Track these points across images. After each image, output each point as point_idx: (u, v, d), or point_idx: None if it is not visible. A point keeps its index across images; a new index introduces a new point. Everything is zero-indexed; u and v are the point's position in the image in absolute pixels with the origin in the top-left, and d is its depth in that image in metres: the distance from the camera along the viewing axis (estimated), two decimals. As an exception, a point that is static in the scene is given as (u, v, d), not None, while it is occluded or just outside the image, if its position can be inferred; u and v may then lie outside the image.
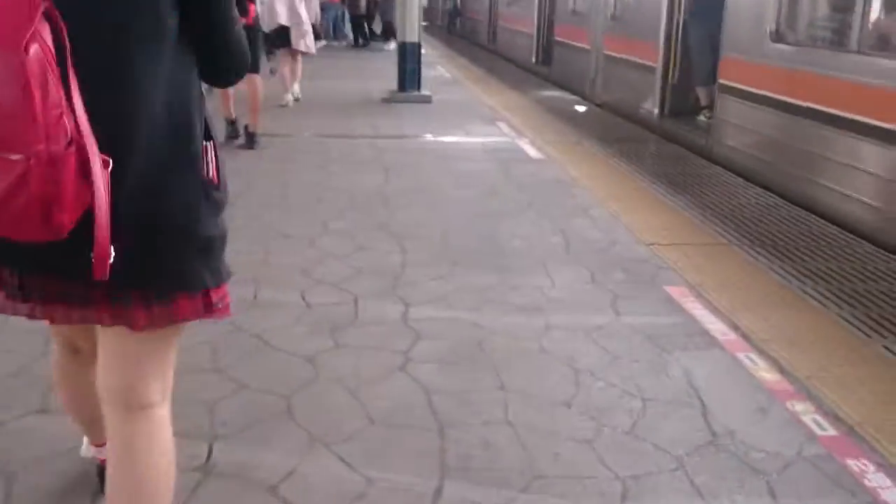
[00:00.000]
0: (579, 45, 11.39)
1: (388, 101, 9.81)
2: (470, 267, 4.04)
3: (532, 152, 7.09)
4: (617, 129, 8.51)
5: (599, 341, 3.20)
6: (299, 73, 10.55)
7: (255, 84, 6.85)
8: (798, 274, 4.06)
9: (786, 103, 6.02)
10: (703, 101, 8.41)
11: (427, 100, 9.80)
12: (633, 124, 8.88)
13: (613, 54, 9.90)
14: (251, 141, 6.96)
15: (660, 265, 4.10)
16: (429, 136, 7.75)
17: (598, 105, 10.55)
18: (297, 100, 9.89)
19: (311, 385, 2.81)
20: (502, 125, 8.40)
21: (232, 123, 7.17)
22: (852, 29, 5.22)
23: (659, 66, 8.49)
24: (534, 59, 14.28)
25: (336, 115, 8.90)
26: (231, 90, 6.87)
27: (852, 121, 5.14)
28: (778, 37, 6.19)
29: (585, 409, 2.68)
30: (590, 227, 4.83)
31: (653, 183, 6.01)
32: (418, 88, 9.93)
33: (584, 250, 4.35)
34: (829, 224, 5.06)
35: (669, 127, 8.35)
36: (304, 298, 3.58)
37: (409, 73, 9.77)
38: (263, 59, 8.36)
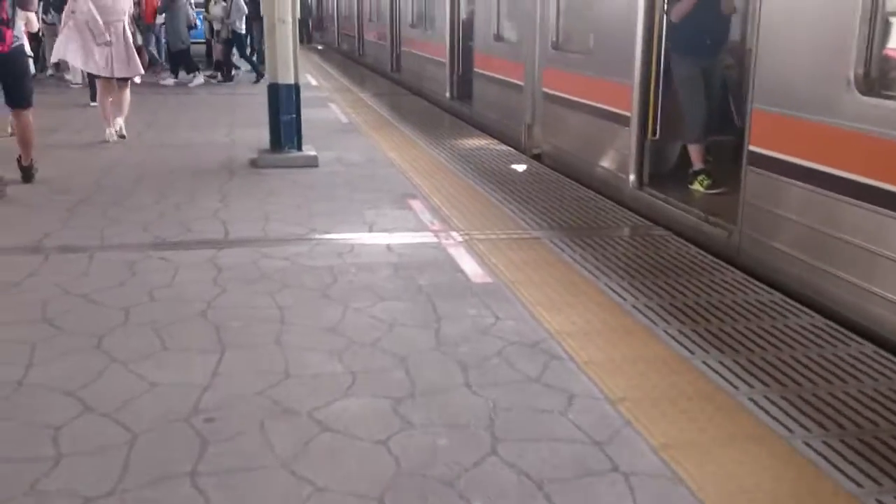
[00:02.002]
0: (509, 79, 8.94)
1: (256, 165, 7.06)
2: None
3: (470, 266, 4.49)
4: (579, 203, 6.03)
5: None
6: (125, 107, 8.57)
7: (24, 119, 6.34)
8: None
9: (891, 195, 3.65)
10: (696, 164, 6.03)
11: (311, 162, 7.09)
12: (594, 192, 6.43)
13: (562, 95, 7.46)
14: (28, 174, 6.43)
15: None
16: (307, 238, 5.05)
17: (534, 157, 8.11)
18: (121, 136, 8.43)
19: None
20: (418, 206, 5.78)
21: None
22: None
23: (634, 114, 6.07)
24: (448, 95, 11.77)
25: (166, 193, 6.08)
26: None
27: None
28: (869, 86, 3.80)
29: None
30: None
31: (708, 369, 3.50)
32: (298, 146, 7.21)
33: None
34: None
35: (648, 202, 5.93)
36: None
37: (284, 126, 7.06)
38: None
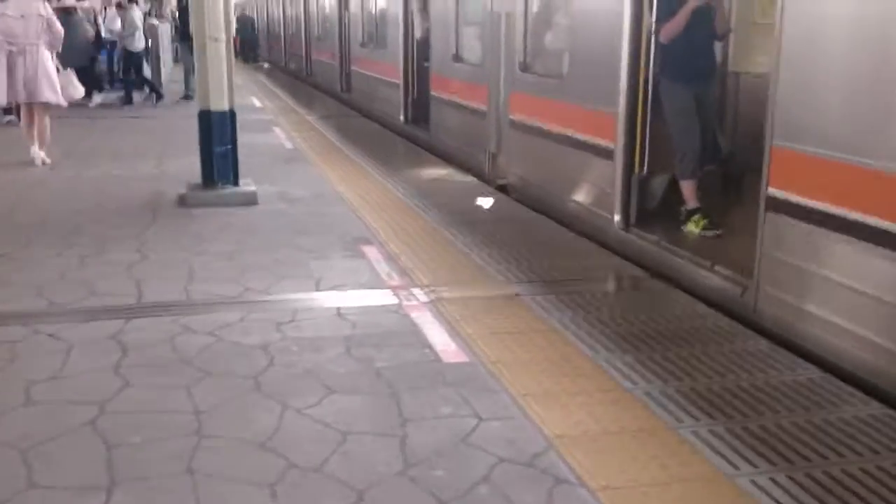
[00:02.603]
0: (470, 104, 8.19)
1: (185, 203, 6.14)
2: None
3: (441, 339, 3.65)
4: (558, 247, 5.26)
5: None
6: (47, 134, 7.99)
7: None
8: None
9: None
10: (690, 202, 5.32)
11: (249, 200, 6.19)
12: (569, 230, 5.69)
13: (531, 123, 6.72)
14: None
15: None
16: (239, 301, 4.16)
17: (499, 188, 7.36)
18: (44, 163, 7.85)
19: None
20: (373, 254, 4.94)
21: None
22: None
23: (619, 147, 5.34)
24: (402, 118, 10.97)
25: (72, 242, 5.12)
26: None
27: None
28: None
29: None
30: None
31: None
32: (234, 181, 6.31)
33: None
34: None
35: (638, 246, 5.19)
36: None
37: (217, 159, 6.16)
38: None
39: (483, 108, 7.79)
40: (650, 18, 5.14)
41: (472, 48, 8.40)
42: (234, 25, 6.14)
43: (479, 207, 6.46)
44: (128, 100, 13.42)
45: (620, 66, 5.19)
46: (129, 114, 12.04)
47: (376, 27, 12.58)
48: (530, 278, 4.58)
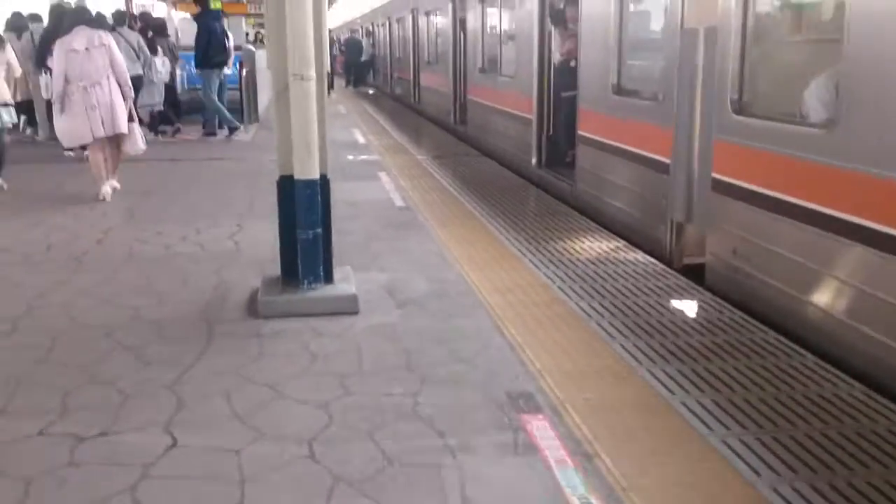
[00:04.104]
0: (643, 153, 6.08)
1: (257, 314, 4.28)
2: None
3: None
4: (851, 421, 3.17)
5: None
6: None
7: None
8: None
9: None
10: None
11: (347, 306, 4.25)
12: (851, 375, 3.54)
13: (753, 188, 4.55)
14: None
15: None
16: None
17: (684, 270, 5.25)
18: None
19: None
20: (548, 439, 2.91)
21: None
22: None
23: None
24: (535, 160, 8.95)
25: (75, 395, 3.31)
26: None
27: None
28: None
29: None
30: None
31: None
32: (326, 275, 4.40)
33: None
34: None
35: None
36: None
37: (303, 248, 4.27)
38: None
39: (663, 159, 5.67)
40: None
41: (645, 77, 6.31)
42: (327, 58, 4.28)
43: (687, 319, 4.33)
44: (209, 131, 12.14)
45: None
46: (214, 154, 10.48)
47: (500, 49, 10.64)
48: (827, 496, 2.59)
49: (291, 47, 4.10)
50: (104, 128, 7.31)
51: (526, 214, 6.89)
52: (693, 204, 5.37)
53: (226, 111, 11.94)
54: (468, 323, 4.20)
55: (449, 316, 4.30)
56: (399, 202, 7.40)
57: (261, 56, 13.20)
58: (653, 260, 5.50)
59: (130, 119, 7.68)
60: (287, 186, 4.33)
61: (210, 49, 11.52)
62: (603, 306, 4.43)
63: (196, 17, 12.11)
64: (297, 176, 4.22)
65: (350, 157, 10.32)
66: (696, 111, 5.26)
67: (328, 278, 4.43)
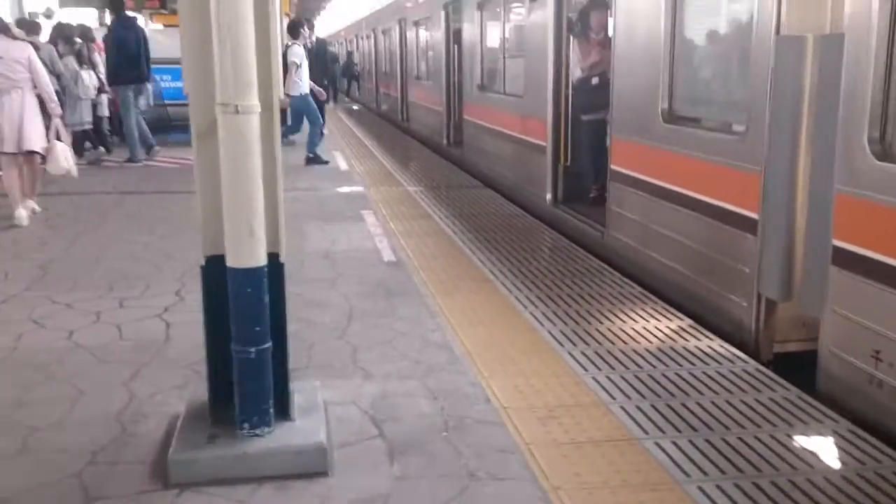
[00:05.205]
0: (711, 200, 4.60)
1: (167, 479, 2.72)
2: None
3: None
4: None
5: None
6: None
7: None
8: None
9: None
10: None
11: (311, 465, 2.73)
12: None
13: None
14: None
15: None
16: None
17: (772, 362, 3.79)
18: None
19: None
20: None
21: None
22: None
23: None
24: (550, 196, 7.46)
25: None
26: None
27: None
28: None
29: None
30: None
31: None
32: (276, 413, 2.88)
33: None
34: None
35: None
36: None
37: (242, 371, 2.76)
38: None
39: (747, 213, 4.20)
40: None
41: (715, 101, 4.84)
42: (279, 76, 2.75)
43: (830, 471, 2.85)
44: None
45: None
46: (167, 187, 8.87)
47: (504, 64, 9.18)
48: None
49: (221, 61, 2.59)
50: (6, 143, 6.60)
51: (549, 273, 5.39)
52: (794, 278, 3.90)
53: (135, 137, 10.40)
54: (502, 491, 2.69)
55: (470, 475, 2.78)
56: (388, 255, 5.87)
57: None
58: (733, 350, 4.01)
59: (58, 138, 6.91)
60: (215, 274, 2.79)
61: (120, 63, 10.03)
62: (703, 453, 2.91)
63: (109, 27, 10.81)
64: (230, 263, 2.69)
65: (329, 190, 8.81)
66: (801, 150, 3.81)
67: (283, 413, 2.90)
